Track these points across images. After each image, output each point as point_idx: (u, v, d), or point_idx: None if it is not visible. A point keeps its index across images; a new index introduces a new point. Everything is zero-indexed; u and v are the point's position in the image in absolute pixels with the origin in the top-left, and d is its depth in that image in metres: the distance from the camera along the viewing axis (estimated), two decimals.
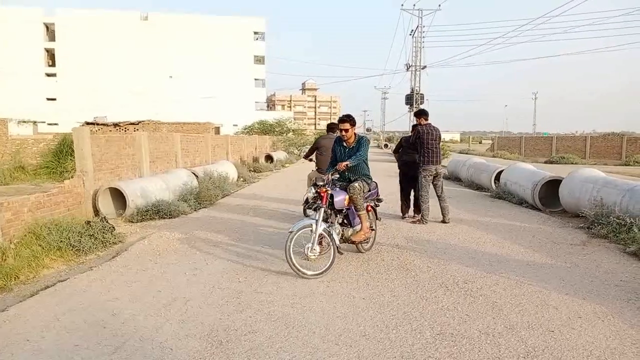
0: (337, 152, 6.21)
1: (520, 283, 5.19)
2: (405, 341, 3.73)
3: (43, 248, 5.92)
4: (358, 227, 6.00)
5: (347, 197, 5.81)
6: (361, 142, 6.06)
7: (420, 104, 37.47)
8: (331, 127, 9.46)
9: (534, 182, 10.43)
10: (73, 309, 4.39)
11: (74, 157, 8.97)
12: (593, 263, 6.02)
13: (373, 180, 6.37)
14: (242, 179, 16.25)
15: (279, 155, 26.09)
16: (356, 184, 5.78)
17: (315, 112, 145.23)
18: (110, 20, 57.29)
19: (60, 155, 16.54)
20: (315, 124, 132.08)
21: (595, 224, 7.73)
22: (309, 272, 5.34)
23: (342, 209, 5.91)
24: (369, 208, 6.35)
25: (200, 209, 10.21)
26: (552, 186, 10.26)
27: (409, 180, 9.23)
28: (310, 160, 9.29)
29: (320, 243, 5.55)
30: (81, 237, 6.40)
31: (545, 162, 31.54)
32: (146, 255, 6.36)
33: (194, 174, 12.05)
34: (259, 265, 5.84)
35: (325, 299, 4.70)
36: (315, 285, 5.14)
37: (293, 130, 43.72)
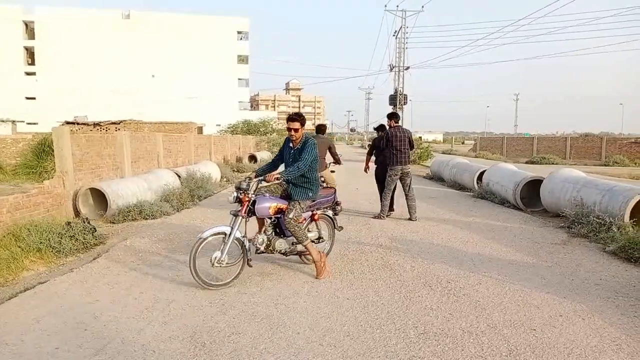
0: (285, 153, 5.65)
1: (502, 282, 5.25)
2: (389, 341, 3.74)
3: (22, 249, 5.82)
4: (292, 239, 5.44)
5: (274, 204, 5.27)
6: (305, 145, 5.35)
7: (404, 104, 37.63)
8: (319, 129, 9.80)
9: (516, 182, 10.56)
10: (53, 312, 4.32)
11: (53, 157, 8.84)
12: (573, 262, 6.11)
13: (329, 185, 6.16)
14: (225, 179, 16.16)
15: (262, 155, 26.00)
16: (290, 215, 5.21)
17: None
18: (92, 19, 56.51)
19: (40, 155, 16.26)
20: None
21: (576, 224, 7.85)
22: (214, 283, 4.97)
23: (271, 217, 5.38)
24: (316, 218, 5.78)
25: (182, 209, 10.13)
26: (533, 186, 10.40)
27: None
28: None
29: (266, 249, 5.35)
30: (61, 238, 6.30)
31: (527, 163, 31.92)
32: (128, 256, 6.29)
33: (177, 174, 11.95)
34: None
35: (309, 299, 4.70)
36: (299, 285, 5.14)
37: (277, 131, 43.61)
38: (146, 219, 8.82)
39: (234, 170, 19.46)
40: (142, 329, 3.95)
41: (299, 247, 5.51)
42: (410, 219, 9.03)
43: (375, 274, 5.57)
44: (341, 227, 6.26)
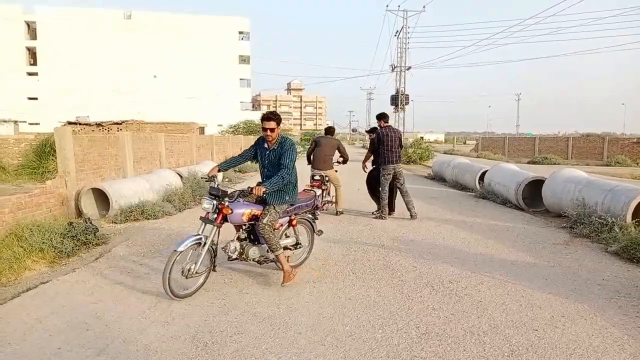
0: (258, 153, 5.31)
1: (504, 282, 5.24)
2: (391, 341, 3.74)
3: (25, 249, 5.83)
4: (266, 246, 5.10)
5: (247, 211, 4.96)
6: (284, 145, 5.10)
7: (406, 104, 37.66)
8: (328, 130, 10.03)
9: (518, 183, 10.54)
10: (56, 312, 4.33)
11: (56, 158, 8.85)
12: (575, 262, 6.10)
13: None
14: (227, 180, 16.17)
15: None
16: (265, 220, 4.89)
17: (301, 113, 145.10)
18: (93, 19, 56.64)
19: (42, 156, 16.29)
20: (300, 124, 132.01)
21: (578, 224, 7.84)
22: (182, 292, 4.65)
23: (245, 224, 5.08)
24: (294, 223, 5.51)
25: (184, 209, 10.13)
26: (535, 186, 10.38)
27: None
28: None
29: (239, 257, 5.08)
30: (64, 238, 6.31)
31: (529, 163, 31.87)
32: (130, 256, 6.30)
33: (179, 174, 11.96)
34: (243, 266, 5.80)
35: (312, 300, 4.70)
36: (302, 285, 5.14)
37: None
38: (148, 219, 8.83)
39: (235, 171, 19.46)
40: (144, 329, 3.96)
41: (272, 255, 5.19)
42: (411, 217, 9.12)
43: (377, 274, 5.57)
44: (321, 231, 5.98)
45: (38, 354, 3.50)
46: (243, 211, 4.94)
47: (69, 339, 3.74)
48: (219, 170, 5.24)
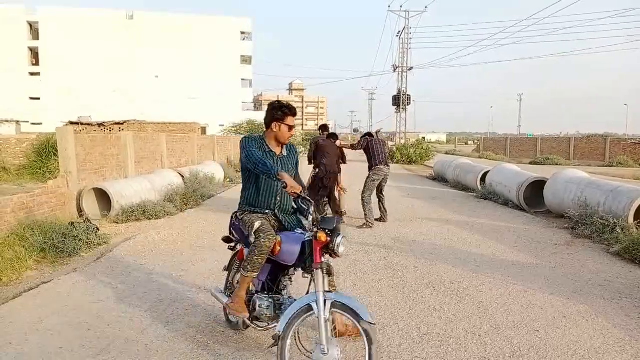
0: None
1: (505, 283, 5.24)
2: (392, 341, 3.74)
3: (26, 249, 5.83)
4: None
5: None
6: (295, 153, 3.85)
7: (407, 105, 37.68)
8: (325, 128, 9.68)
9: (519, 183, 10.54)
10: (57, 311, 4.33)
11: (57, 158, 8.87)
12: (577, 263, 6.09)
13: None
14: (228, 179, 16.19)
15: None
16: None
17: (303, 113, 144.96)
18: (96, 19, 56.65)
19: (44, 156, 16.34)
20: (302, 125, 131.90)
21: (579, 225, 7.83)
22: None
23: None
24: None
25: (186, 209, 10.14)
26: (537, 187, 10.38)
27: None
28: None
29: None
30: (65, 238, 6.31)
31: (530, 163, 31.84)
32: (131, 256, 6.30)
33: (180, 174, 11.97)
34: None
35: None
36: (304, 285, 5.13)
37: None
38: (149, 219, 8.83)
39: (237, 171, 19.47)
40: (145, 328, 3.96)
41: None
42: (383, 220, 8.88)
43: (379, 274, 5.57)
44: None
45: (39, 353, 3.50)
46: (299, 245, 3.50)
47: (70, 339, 3.74)
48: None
